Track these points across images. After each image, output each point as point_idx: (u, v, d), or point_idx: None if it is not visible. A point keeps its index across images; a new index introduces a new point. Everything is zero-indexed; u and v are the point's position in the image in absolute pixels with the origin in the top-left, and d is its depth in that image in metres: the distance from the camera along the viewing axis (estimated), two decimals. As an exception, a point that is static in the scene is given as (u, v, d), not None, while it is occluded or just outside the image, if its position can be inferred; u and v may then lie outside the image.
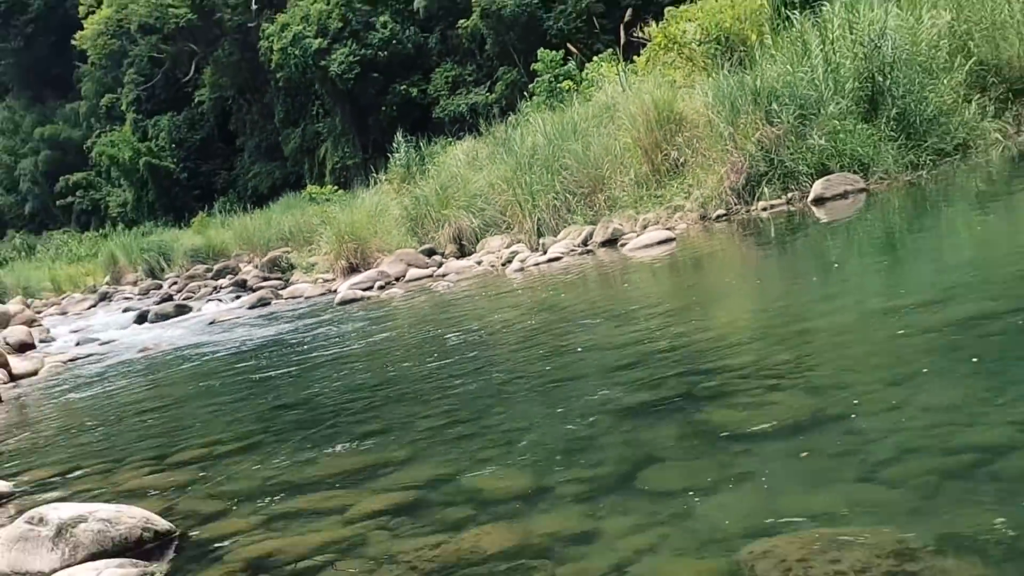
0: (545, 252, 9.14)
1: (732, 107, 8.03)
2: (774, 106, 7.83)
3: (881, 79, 7.58)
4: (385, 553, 2.06)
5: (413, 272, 10.60)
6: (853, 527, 1.70)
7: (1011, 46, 7.94)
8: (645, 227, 8.67)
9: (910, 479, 1.88)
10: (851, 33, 8.19)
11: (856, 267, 4.89)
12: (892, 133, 7.58)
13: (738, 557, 1.66)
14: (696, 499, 1.97)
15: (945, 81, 7.62)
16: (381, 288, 10.16)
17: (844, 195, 7.49)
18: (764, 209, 7.87)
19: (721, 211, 8.21)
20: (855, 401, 2.38)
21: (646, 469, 2.26)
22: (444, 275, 9.98)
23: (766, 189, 7.95)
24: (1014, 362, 2.46)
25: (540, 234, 9.81)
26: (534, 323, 5.26)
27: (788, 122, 7.77)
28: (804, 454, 2.12)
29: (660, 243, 7.81)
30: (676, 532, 1.85)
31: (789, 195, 7.91)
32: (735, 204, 8.14)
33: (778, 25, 9.56)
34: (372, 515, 2.32)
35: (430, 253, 11.35)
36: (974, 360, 2.50)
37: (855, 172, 7.64)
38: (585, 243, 9.06)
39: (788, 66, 8.16)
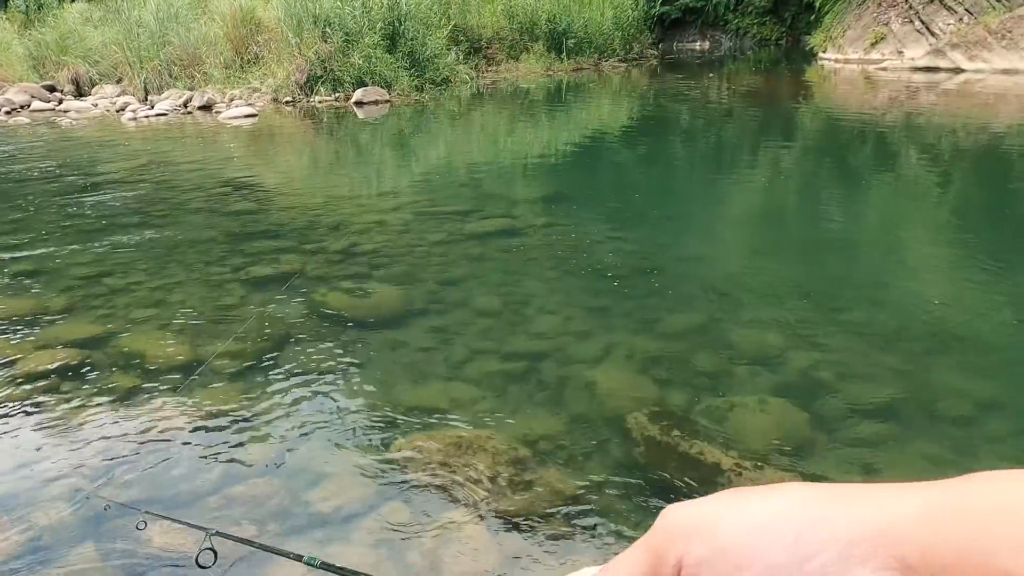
0: (153, 107, 11.28)
1: (298, 24, 10.74)
2: (328, 29, 10.71)
3: (398, 24, 10.81)
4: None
5: (37, 104, 12.01)
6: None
7: (473, 17, 11.70)
8: (232, 100, 11.21)
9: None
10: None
11: (384, 156, 8.08)
12: (405, 64, 10.93)
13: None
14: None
15: (437, 34, 11.10)
16: (8, 114, 11.52)
17: (375, 102, 10.75)
18: (320, 102, 10.85)
19: (288, 98, 11.05)
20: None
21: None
22: (66, 111, 11.60)
23: (321, 88, 10.92)
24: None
25: (147, 91, 11.85)
26: (161, 175, 6.88)
27: (337, 43, 10.73)
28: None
29: (246, 116, 10.45)
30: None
31: (337, 95, 10.97)
32: (299, 95, 11.02)
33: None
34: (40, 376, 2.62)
35: (51, 89, 12.71)
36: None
37: (382, 87, 10.91)
38: (186, 105, 11.36)
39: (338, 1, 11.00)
